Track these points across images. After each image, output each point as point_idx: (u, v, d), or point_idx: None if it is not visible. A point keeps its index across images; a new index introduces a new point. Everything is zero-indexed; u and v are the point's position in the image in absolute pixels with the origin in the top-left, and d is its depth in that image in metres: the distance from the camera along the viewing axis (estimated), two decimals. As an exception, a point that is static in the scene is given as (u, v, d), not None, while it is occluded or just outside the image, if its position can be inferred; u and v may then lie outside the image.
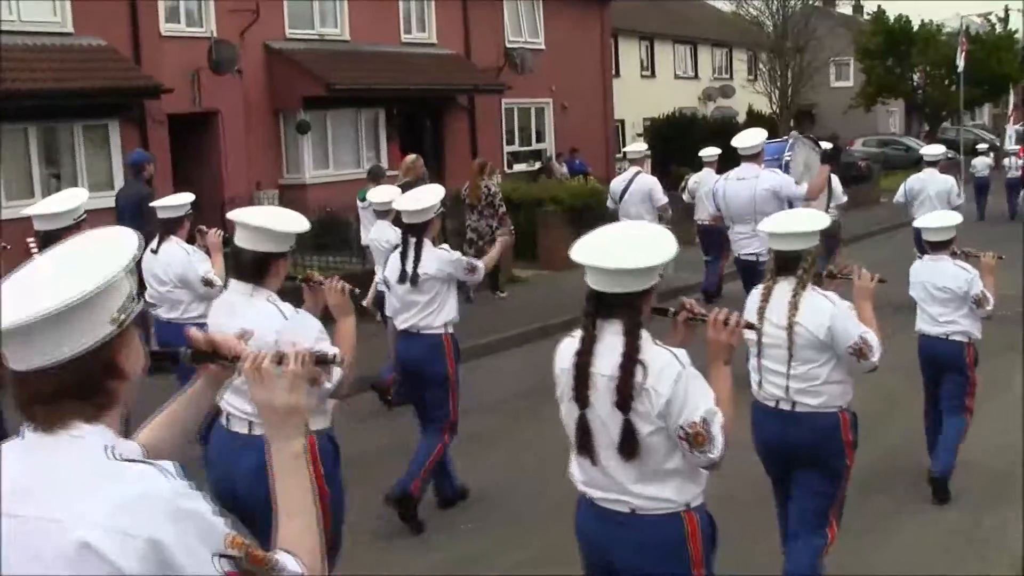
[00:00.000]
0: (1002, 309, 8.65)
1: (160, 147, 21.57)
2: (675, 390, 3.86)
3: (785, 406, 5.74)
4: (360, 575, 6.48)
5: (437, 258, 7.64)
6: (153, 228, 8.79)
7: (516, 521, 7.78)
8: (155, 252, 8.66)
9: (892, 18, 47.34)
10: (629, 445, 3.94)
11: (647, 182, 14.68)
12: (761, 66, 34.62)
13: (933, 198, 14.61)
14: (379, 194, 10.61)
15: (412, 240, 7.63)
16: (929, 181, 15.06)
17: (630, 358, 3.89)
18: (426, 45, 28.10)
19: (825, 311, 5.55)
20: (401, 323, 7.84)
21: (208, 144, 23.02)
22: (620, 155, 39.70)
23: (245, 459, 4.89)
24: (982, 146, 36.00)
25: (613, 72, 40.94)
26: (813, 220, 5.80)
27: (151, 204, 9.21)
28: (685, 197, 16.89)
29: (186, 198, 8.87)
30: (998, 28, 49.81)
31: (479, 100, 29.41)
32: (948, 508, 7.88)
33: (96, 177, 20.00)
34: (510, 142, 31.84)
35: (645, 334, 3.95)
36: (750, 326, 4.38)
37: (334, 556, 5.14)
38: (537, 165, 31.25)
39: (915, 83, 47.58)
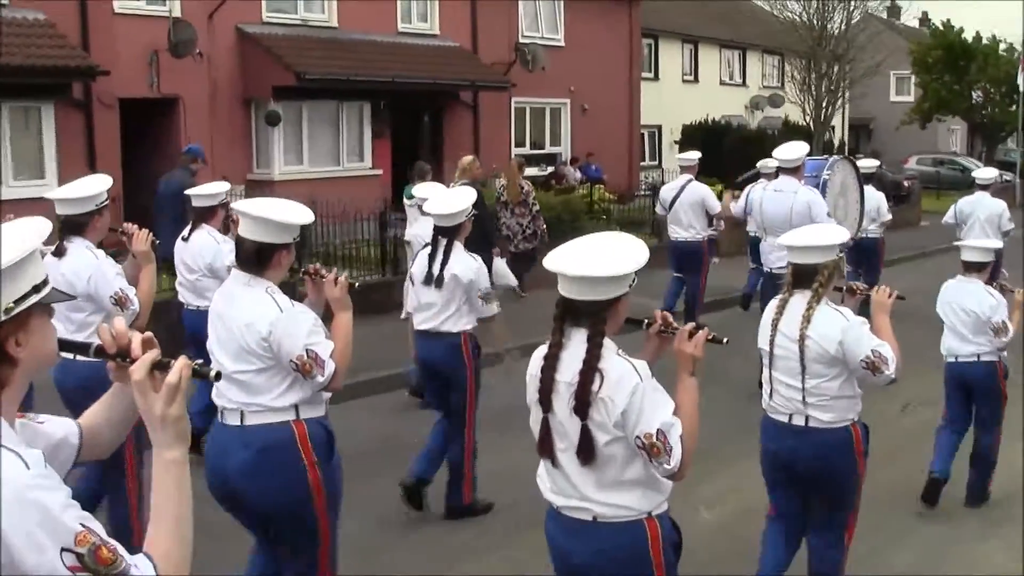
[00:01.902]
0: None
1: (107, 134, 19.95)
2: (631, 401, 3.92)
3: (799, 421, 5.75)
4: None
5: (468, 263, 7.67)
6: (187, 216, 9.15)
7: (515, 520, 7.71)
8: (186, 240, 8.92)
9: (951, 30, 44.48)
10: (586, 450, 4.00)
11: (699, 190, 14.57)
12: (796, 74, 32.04)
13: (983, 222, 14.33)
14: (425, 191, 10.66)
15: (443, 242, 7.69)
16: (979, 204, 14.66)
17: (589, 366, 3.95)
18: (426, 36, 26.08)
19: (837, 325, 5.58)
20: (420, 322, 7.89)
21: (167, 133, 21.19)
22: (649, 163, 37.91)
23: (237, 453, 5.03)
24: None
25: (651, 75, 39.00)
26: (831, 235, 5.87)
27: (183, 191, 9.56)
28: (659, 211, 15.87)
29: (222, 187, 9.09)
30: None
31: (486, 97, 27.32)
32: (953, 519, 8.08)
33: (24, 163, 18.24)
34: (520, 143, 29.66)
35: (609, 343, 4.03)
36: (716, 340, 4.27)
37: (333, 542, 5.30)
38: (549, 170, 29.08)
39: (974, 100, 44.69)
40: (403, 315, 9.54)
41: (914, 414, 10.67)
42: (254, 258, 5.06)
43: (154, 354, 2.64)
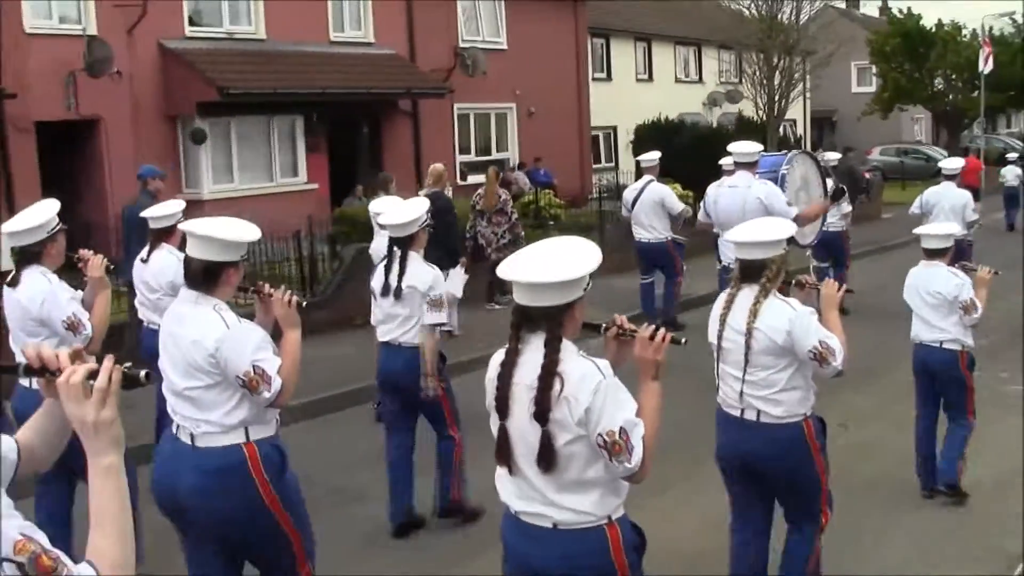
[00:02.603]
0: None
1: (25, 159, 19.24)
2: (594, 400, 3.89)
3: (750, 415, 5.77)
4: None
5: (424, 273, 7.59)
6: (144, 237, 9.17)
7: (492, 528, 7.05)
8: (145, 261, 8.95)
9: (910, 18, 43.93)
10: (547, 457, 3.98)
11: (659, 191, 14.63)
12: (748, 67, 31.36)
13: (948, 211, 14.42)
14: (381, 204, 10.57)
15: (397, 252, 7.66)
16: (944, 194, 14.90)
17: (548, 371, 3.94)
18: (361, 44, 25.45)
19: (784, 315, 5.60)
20: (382, 335, 7.86)
21: (89, 155, 20.53)
22: (604, 165, 37.32)
23: (188, 475, 5.04)
24: (1012, 155, 34.97)
25: (604, 75, 38.43)
26: (778, 229, 5.88)
27: (140, 214, 9.45)
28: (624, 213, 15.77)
29: (178, 205, 9.11)
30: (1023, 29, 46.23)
31: (426, 105, 26.67)
32: (943, 510, 8.13)
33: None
34: (465, 151, 29.01)
35: (569, 346, 4.01)
36: (676, 341, 4.24)
37: (309, 556, 5.36)
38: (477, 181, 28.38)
39: (936, 88, 44.16)
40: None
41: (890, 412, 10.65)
42: (201, 277, 5.10)
43: (89, 365, 2.61)
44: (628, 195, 15.04)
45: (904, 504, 8.30)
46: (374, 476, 8.48)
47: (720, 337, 5.85)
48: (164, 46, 21.41)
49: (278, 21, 23.36)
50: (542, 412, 3.95)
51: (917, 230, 8.85)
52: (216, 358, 4.96)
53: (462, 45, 27.94)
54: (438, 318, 7.65)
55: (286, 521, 5.18)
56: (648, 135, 32.83)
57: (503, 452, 4.15)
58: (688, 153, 27.59)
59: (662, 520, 7.18)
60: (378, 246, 10.49)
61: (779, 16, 29.84)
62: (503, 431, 4.13)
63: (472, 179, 26.86)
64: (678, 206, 14.66)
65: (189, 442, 5.10)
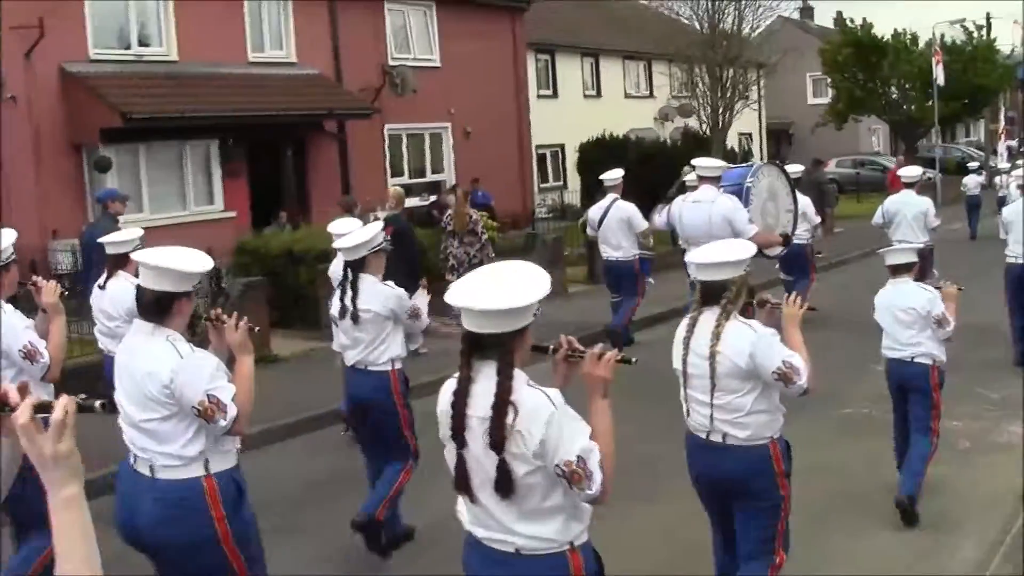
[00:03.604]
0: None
1: (-87, 191, 18.03)
2: (548, 432, 3.89)
3: (716, 438, 5.75)
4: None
5: (381, 294, 7.61)
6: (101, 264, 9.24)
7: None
8: (103, 288, 8.97)
9: (859, 27, 43.13)
10: (505, 485, 3.96)
11: (625, 209, 14.72)
12: (688, 79, 30.44)
13: (910, 220, 14.61)
14: (339, 226, 10.55)
15: (351, 276, 7.66)
16: (905, 202, 15.01)
17: (501, 400, 3.92)
18: (282, 65, 24.39)
19: (746, 338, 5.58)
20: (349, 359, 7.84)
21: (-16, 186, 19.31)
22: (552, 184, 36.37)
23: (146, 506, 5.08)
24: (973, 164, 35.07)
25: (550, 92, 37.60)
26: (738, 250, 5.86)
27: (98, 240, 9.46)
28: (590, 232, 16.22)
29: (134, 233, 9.10)
30: (975, 37, 45.43)
31: (354, 127, 25.62)
32: (911, 531, 8.04)
33: None
34: (397, 174, 27.88)
35: (519, 374, 3.99)
36: (625, 361, 4.23)
37: None
38: (431, 199, 27.36)
39: (890, 98, 43.36)
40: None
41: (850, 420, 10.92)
42: (154, 307, 5.12)
43: (34, 398, 2.62)
44: (594, 214, 15.14)
45: (869, 526, 8.28)
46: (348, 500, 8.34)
47: (684, 362, 5.81)
48: (66, 70, 20.27)
49: (191, 42, 22.26)
50: (497, 442, 3.92)
51: (894, 239, 9.09)
52: (171, 389, 4.97)
53: (391, 63, 26.94)
54: (424, 322, 8.06)
55: (236, 558, 5.16)
56: (593, 152, 32.03)
57: (461, 482, 4.13)
58: (635, 169, 26.73)
59: (623, 540, 7.26)
60: (337, 267, 10.43)
61: (721, 26, 28.91)
62: (460, 460, 4.11)
63: (407, 203, 25.76)
64: (644, 223, 14.68)
65: (148, 473, 5.12)
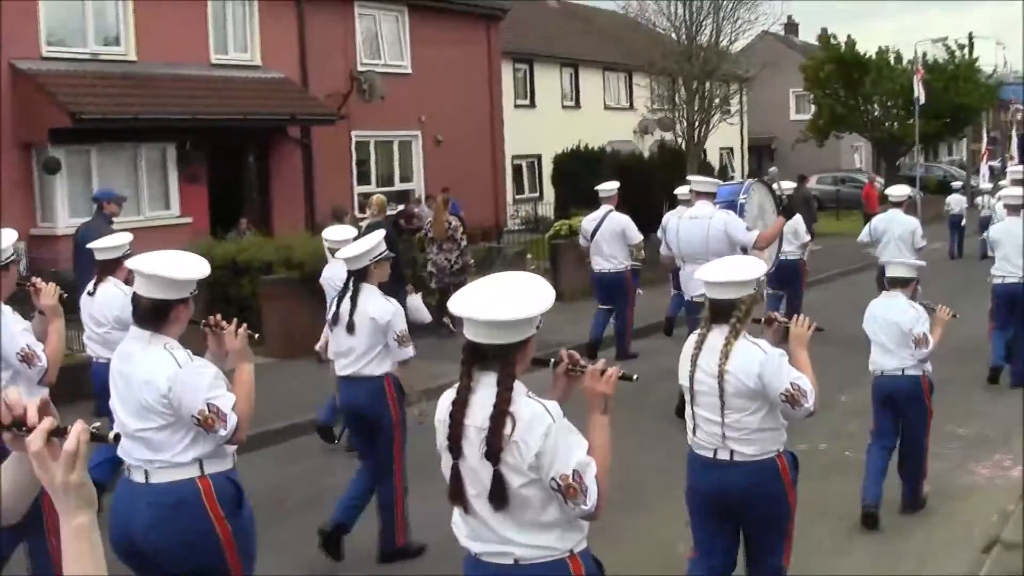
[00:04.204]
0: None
1: None
2: (545, 444, 3.87)
3: (723, 455, 5.72)
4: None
5: (380, 307, 7.62)
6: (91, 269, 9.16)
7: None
8: (92, 294, 8.86)
9: (843, 44, 42.65)
10: (499, 495, 3.93)
11: (619, 221, 14.78)
12: (664, 92, 29.82)
13: (897, 239, 14.50)
14: (333, 233, 10.73)
15: (352, 285, 7.68)
16: (893, 221, 14.84)
17: (500, 410, 3.90)
18: (246, 68, 23.79)
19: (755, 359, 5.56)
20: (341, 368, 7.83)
21: (-69, 186, 18.66)
22: (529, 195, 35.79)
23: (140, 511, 5.00)
24: (956, 183, 35.18)
25: (527, 101, 37.07)
26: (748, 269, 5.85)
27: (87, 245, 9.34)
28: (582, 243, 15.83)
29: (124, 238, 8.94)
30: (957, 55, 45.00)
31: (320, 132, 24.98)
32: (896, 536, 8.13)
33: None
34: (364, 182, 27.27)
35: (518, 386, 3.98)
36: (627, 378, 4.21)
37: None
38: (399, 208, 26.75)
39: (872, 115, 42.89)
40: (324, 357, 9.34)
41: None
42: (151, 315, 5.05)
43: (50, 422, 2.57)
44: (587, 225, 15.14)
45: (855, 532, 8.23)
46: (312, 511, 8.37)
47: (692, 379, 5.76)
48: (16, 67, 19.65)
49: (152, 42, 21.63)
50: (494, 452, 3.90)
51: (882, 258, 9.25)
52: (169, 398, 4.89)
53: (360, 69, 26.32)
54: (408, 352, 7.76)
55: (235, 562, 5.09)
56: (568, 164, 31.43)
57: (456, 492, 4.10)
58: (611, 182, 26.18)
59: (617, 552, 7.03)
60: (330, 274, 10.51)
61: (698, 39, 28.33)
62: (455, 471, 4.08)
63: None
64: (638, 236, 14.83)
65: (143, 479, 5.04)
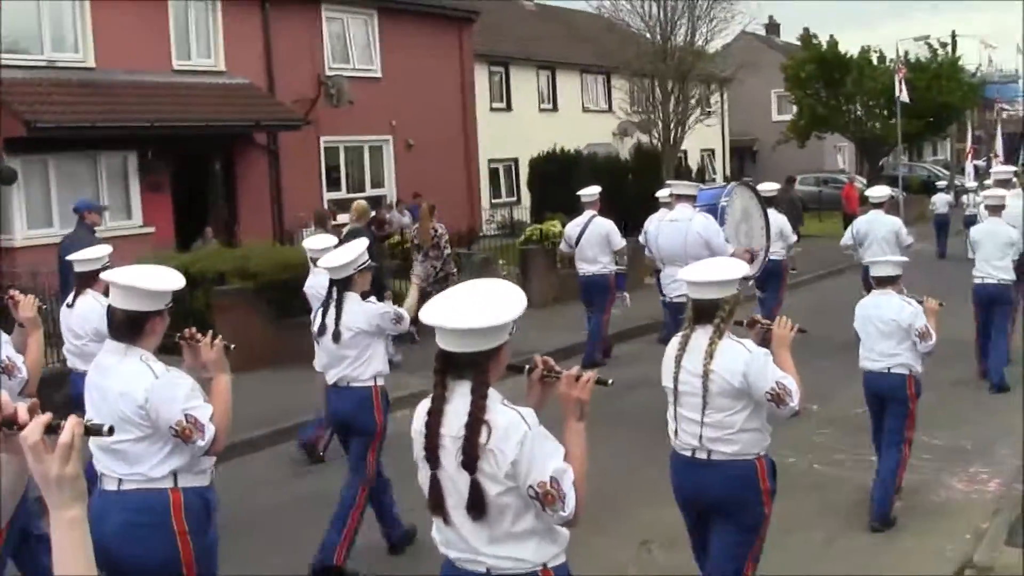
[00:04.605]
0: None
1: None
2: (521, 451, 3.83)
3: (701, 455, 5.73)
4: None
5: (364, 312, 7.65)
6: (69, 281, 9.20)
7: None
8: (71, 306, 8.81)
9: (824, 43, 42.22)
10: (477, 505, 3.91)
11: (603, 226, 14.80)
12: (638, 92, 29.34)
13: (880, 239, 14.42)
14: (315, 242, 10.75)
15: (335, 294, 7.68)
16: (875, 222, 14.76)
17: (475, 419, 3.88)
18: (210, 73, 23.32)
19: (740, 358, 5.58)
20: (331, 377, 7.82)
21: None
22: (506, 199, 35.36)
23: (112, 517, 4.95)
24: (941, 183, 35.03)
25: (503, 105, 36.65)
26: (731, 269, 5.88)
27: (66, 258, 9.42)
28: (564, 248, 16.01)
29: (103, 250, 8.90)
30: (940, 54, 44.57)
31: (287, 138, 24.51)
32: (892, 534, 8.10)
33: None
34: (334, 188, 26.82)
35: (493, 394, 3.95)
36: (602, 382, 4.11)
37: None
38: (371, 214, 26.24)
39: (853, 115, 42.45)
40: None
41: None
42: (126, 327, 5.05)
43: (47, 417, 2.61)
44: (572, 230, 15.13)
45: (820, 550, 8.06)
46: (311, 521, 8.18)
47: (676, 380, 5.76)
48: (-32, 76, 19.13)
49: (110, 48, 21.17)
50: (470, 461, 3.86)
51: (866, 259, 9.28)
52: (146, 409, 4.88)
53: (328, 73, 25.84)
54: (406, 322, 7.92)
55: None
56: (544, 167, 31.04)
57: (435, 502, 4.06)
58: (586, 185, 25.77)
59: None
60: (314, 283, 10.55)
61: (672, 39, 27.87)
62: (434, 481, 4.04)
63: (342, 218, 24.63)
64: (621, 241, 14.93)
65: (115, 487, 5.03)
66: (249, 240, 20.98)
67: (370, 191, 27.52)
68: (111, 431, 2.84)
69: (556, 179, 29.82)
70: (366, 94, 26.23)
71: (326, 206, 25.90)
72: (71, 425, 2.57)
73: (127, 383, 4.94)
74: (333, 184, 26.89)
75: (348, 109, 25.59)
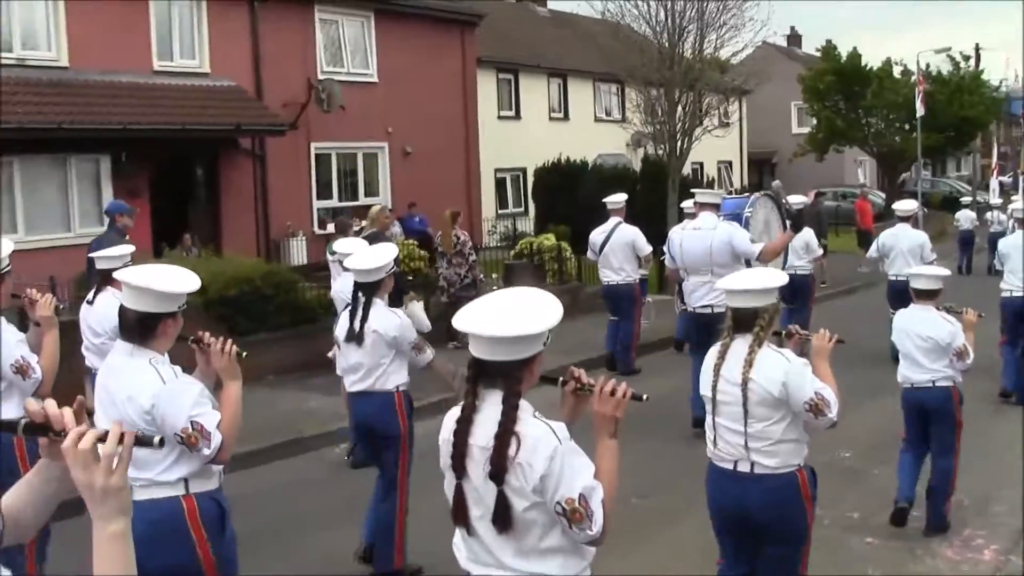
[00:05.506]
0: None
1: None
2: (550, 466, 3.74)
3: (744, 467, 5.66)
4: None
5: (388, 319, 7.57)
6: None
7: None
8: (91, 303, 8.87)
9: (844, 55, 41.11)
10: (503, 518, 3.83)
11: (629, 232, 14.80)
12: (639, 102, 28.20)
13: (905, 253, 14.57)
14: (345, 246, 10.64)
15: (362, 298, 7.61)
16: (901, 236, 14.87)
17: (505, 430, 3.80)
18: (194, 75, 22.37)
19: (779, 367, 5.53)
20: (351, 384, 7.81)
21: None
22: (513, 210, 34.35)
23: None
24: (966, 199, 34.57)
25: (512, 113, 35.71)
26: (771, 278, 5.85)
27: (88, 255, 9.80)
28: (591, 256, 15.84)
29: (126, 249, 8.96)
30: (962, 67, 43.35)
31: (276, 144, 23.57)
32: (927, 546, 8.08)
33: None
34: (324, 196, 25.84)
35: (525, 405, 3.87)
36: (637, 397, 4.01)
37: None
38: (362, 224, 25.25)
39: (873, 128, 41.28)
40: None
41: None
42: (137, 328, 4.96)
43: (98, 430, 2.52)
44: (596, 238, 15.05)
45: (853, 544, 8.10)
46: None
47: (714, 389, 5.72)
48: (-67, 74, 18.25)
49: (86, 47, 20.24)
50: (498, 472, 3.76)
51: (909, 271, 9.25)
52: (152, 415, 4.79)
53: (321, 77, 24.90)
54: (427, 357, 7.79)
55: None
56: (549, 178, 30.07)
57: (459, 513, 3.96)
58: (591, 197, 24.70)
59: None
60: (341, 288, 10.61)
61: (680, 48, 26.72)
62: (459, 491, 3.94)
63: (332, 227, 23.69)
64: (647, 248, 14.90)
65: None
66: (233, 248, 20.13)
67: (364, 199, 26.46)
68: (162, 443, 2.69)
69: (561, 190, 28.88)
70: (361, 99, 25.33)
71: (315, 214, 25.06)
72: (117, 434, 2.49)
73: (134, 387, 4.85)
74: (324, 191, 25.89)
75: (342, 114, 24.68)
